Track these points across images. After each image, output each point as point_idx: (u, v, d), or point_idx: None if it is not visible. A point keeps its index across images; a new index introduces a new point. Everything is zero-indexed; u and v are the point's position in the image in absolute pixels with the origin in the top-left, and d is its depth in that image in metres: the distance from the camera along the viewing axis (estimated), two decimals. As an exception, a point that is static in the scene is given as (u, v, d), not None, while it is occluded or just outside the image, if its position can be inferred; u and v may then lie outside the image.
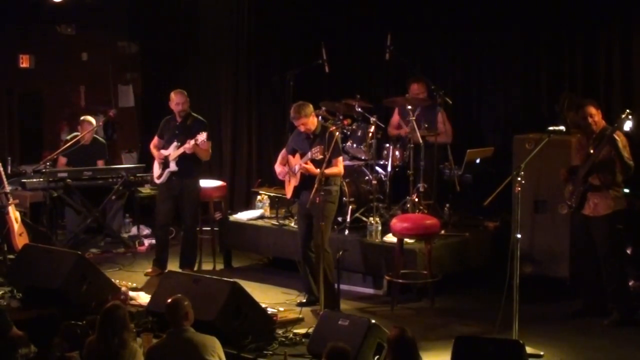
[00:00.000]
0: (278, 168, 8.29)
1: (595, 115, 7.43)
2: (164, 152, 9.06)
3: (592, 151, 7.36)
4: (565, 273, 8.33)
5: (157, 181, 9.22)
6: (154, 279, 8.79)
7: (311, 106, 8.01)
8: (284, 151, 8.31)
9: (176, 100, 9.06)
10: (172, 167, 9.00)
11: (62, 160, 10.39)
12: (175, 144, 8.99)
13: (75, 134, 10.43)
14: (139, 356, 5.75)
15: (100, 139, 10.84)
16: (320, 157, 7.75)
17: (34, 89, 11.88)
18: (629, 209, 7.68)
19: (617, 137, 7.27)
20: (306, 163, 7.86)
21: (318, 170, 7.66)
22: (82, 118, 10.47)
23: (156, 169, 9.20)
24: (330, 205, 7.89)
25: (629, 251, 8.09)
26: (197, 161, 9.06)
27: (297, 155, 8.07)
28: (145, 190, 10.58)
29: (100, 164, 10.51)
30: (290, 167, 8.13)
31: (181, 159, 8.96)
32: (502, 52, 9.70)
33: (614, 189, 7.44)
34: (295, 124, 8.03)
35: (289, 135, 9.03)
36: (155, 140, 9.26)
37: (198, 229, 9.39)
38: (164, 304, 6.03)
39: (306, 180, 7.91)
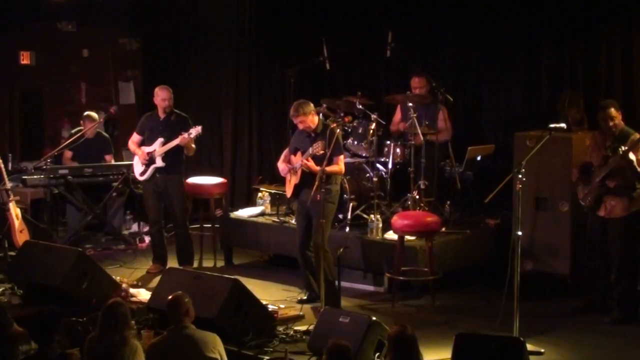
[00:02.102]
0: (281, 165, 8.27)
1: (616, 118, 7.43)
2: (147, 149, 8.98)
3: (610, 154, 7.34)
4: (565, 270, 8.31)
5: (141, 178, 9.14)
6: (155, 275, 8.78)
7: (311, 105, 8.00)
8: (287, 150, 8.29)
9: (162, 96, 8.98)
10: (159, 162, 8.92)
11: (68, 154, 10.39)
12: (160, 140, 8.92)
13: (79, 128, 10.42)
14: (140, 353, 5.75)
15: (104, 133, 10.83)
16: (322, 152, 7.74)
17: (34, 86, 11.87)
18: None
19: (632, 156, 7.22)
20: (307, 160, 7.85)
21: (319, 167, 7.67)
22: (85, 114, 10.46)
23: (138, 166, 9.10)
24: (330, 206, 7.88)
25: None
26: (181, 157, 9.00)
27: (299, 154, 8.05)
28: (146, 187, 10.56)
29: (109, 158, 10.51)
30: (291, 165, 8.12)
31: (166, 155, 8.89)
32: (504, 49, 9.67)
33: (632, 191, 7.39)
34: (294, 121, 8.03)
35: (289, 132, 9.03)
36: (135, 136, 9.18)
37: (198, 225, 9.35)
38: (165, 301, 6.04)
39: (306, 178, 7.89)
